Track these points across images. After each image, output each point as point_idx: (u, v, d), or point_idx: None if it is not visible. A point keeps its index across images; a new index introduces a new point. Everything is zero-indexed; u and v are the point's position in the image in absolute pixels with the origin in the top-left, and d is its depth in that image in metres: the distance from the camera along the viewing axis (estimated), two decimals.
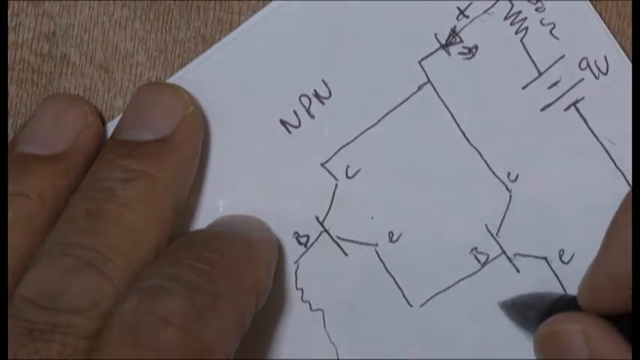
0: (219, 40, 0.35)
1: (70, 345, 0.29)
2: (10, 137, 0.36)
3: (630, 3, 0.35)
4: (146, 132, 0.33)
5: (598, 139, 0.36)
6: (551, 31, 0.35)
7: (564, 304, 0.33)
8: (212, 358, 0.29)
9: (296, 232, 0.36)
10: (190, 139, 0.34)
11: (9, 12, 0.35)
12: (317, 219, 0.36)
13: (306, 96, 0.36)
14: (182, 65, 0.36)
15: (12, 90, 0.36)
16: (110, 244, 0.31)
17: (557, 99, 0.36)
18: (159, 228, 0.32)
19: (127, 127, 0.34)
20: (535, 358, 0.33)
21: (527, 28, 0.35)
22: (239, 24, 0.36)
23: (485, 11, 0.35)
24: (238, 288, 0.31)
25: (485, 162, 0.36)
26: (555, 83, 0.35)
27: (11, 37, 0.35)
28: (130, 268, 0.31)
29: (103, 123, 0.36)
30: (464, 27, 0.35)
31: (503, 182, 0.36)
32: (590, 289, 0.32)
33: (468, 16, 0.35)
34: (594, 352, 0.31)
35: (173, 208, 0.33)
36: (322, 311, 0.36)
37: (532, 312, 0.34)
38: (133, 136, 0.33)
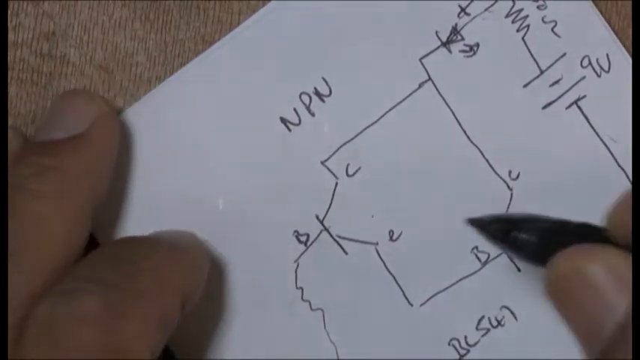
0: (219, 40, 0.35)
1: None
2: (9, 138, 0.36)
3: (630, 3, 0.35)
4: (59, 132, 0.33)
5: (600, 137, 0.35)
6: (552, 29, 0.35)
7: (581, 233, 0.26)
8: (133, 357, 0.29)
9: (296, 231, 0.36)
10: (104, 136, 0.34)
11: (9, 12, 0.35)
12: (317, 217, 0.36)
13: (307, 94, 0.36)
14: (182, 65, 0.36)
15: (12, 90, 0.36)
16: (20, 236, 0.31)
17: (559, 97, 0.35)
18: (73, 218, 0.32)
19: (42, 130, 0.34)
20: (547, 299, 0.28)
21: (528, 26, 0.35)
22: (239, 24, 0.35)
23: (486, 9, 0.35)
24: (162, 287, 0.31)
25: (487, 160, 0.36)
26: (557, 81, 0.35)
27: (11, 37, 0.36)
28: (41, 260, 0.31)
29: None
30: (465, 25, 0.35)
31: (504, 180, 0.36)
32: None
33: (469, 14, 0.35)
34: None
35: (89, 198, 0.33)
36: (322, 310, 0.36)
37: (526, 236, 0.28)
38: (47, 137, 0.33)
